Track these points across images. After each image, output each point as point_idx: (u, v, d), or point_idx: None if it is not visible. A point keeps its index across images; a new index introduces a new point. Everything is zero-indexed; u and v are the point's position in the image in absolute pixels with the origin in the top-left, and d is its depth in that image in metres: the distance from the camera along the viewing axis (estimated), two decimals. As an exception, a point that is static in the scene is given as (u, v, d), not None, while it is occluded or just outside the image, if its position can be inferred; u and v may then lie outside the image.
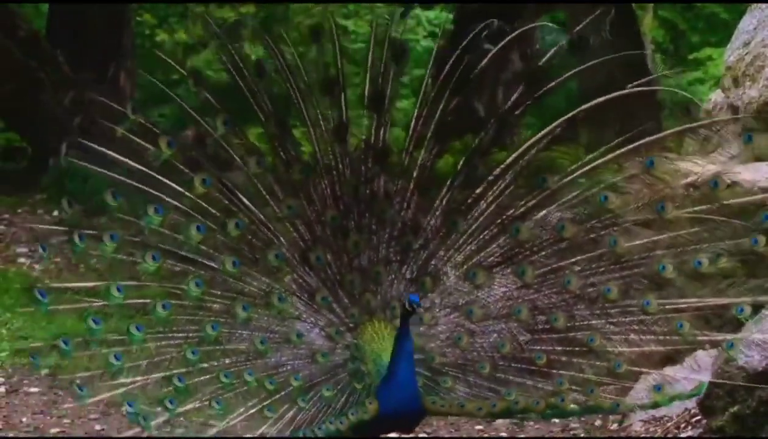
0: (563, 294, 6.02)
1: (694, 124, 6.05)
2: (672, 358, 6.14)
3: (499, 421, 7.76)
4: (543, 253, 6.06)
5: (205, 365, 5.99)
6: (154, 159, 6.02)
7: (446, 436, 7.37)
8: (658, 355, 6.00)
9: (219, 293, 6.08)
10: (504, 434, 7.77)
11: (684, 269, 5.97)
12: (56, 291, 6.14)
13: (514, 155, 6.06)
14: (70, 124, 14.18)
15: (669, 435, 7.11)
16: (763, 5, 8.93)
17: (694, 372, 6.11)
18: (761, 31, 8.84)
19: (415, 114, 6.09)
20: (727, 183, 6.05)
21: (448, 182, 6.10)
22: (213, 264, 6.06)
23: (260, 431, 5.88)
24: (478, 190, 6.08)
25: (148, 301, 6.04)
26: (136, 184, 6.03)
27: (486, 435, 7.77)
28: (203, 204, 6.06)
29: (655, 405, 6.05)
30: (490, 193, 6.08)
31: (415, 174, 6.11)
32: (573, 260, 6.02)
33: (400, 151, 6.13)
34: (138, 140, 6.07)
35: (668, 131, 6.07)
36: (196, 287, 6.01)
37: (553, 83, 6.03)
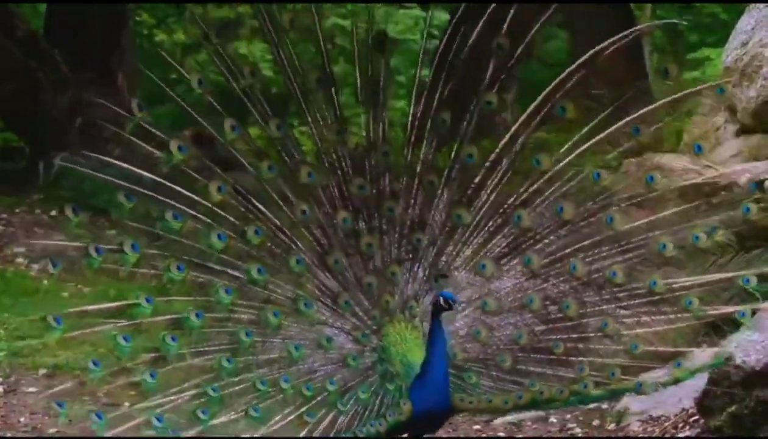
0: (571, 281, 6.06)
1: (680, 94, 6.06)
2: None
3: (497, 421, 7.78)
4: (546, 240, 6.09)
5: (239, 377, 5.92)
6: (163, 164, 5.97)
7: (444, 436, 7.36)
8: (672, 333, 6.03)
9: (245, 302, 6.05)
10: (502, 434, 7.78)
11: (684, 246, 6.03)
12: (72, 316, 5.99)
13: (506, 138, 6.08)
14: (68, 124, 14.19)
15: (667, 435, 7.12)
16: (761, 5, 8.96)
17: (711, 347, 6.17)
18: (759, 31, 8.87)
19: (412, 106, 6.10)
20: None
21: (444, 175, 6.11)
22: (237, 273, 6.03)
23: (302, 435, 5.87)
24: (476, 180, 6.10)
25: (171, 316, 5.96)
26: (145, 192, 5.97)
27: (484, 435, 7.78)
28: (220, 212, 6.01)
29: (677, 381, 6.06)
30: (489, 182, 6.10)
31: (418, 169, 6.13)
32: (576, 246, 6.05)
33: (402, 147, 6.14)
34: (146, 146, 6.00)
35: (658, 103, 6.07)
36: (226, 295, 5.97)
37: (519, 50, 6.03)
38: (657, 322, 6.02)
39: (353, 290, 6.07)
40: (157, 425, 5.79)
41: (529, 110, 6.06)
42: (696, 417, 6.95)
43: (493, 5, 6.02)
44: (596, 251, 6.05)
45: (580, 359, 6.01)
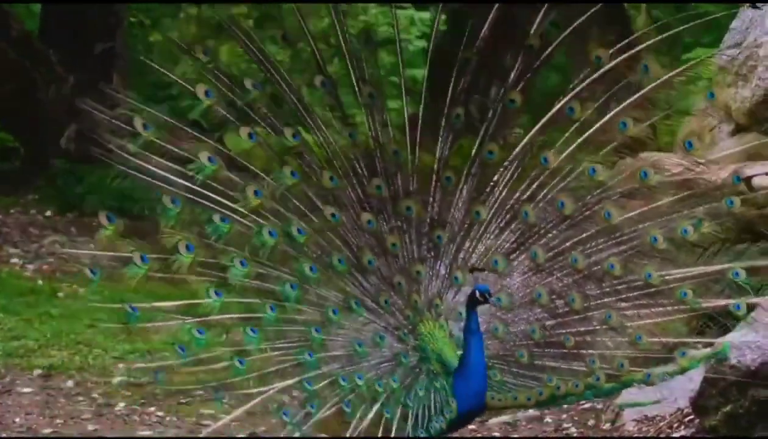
0: (573, 275, 6.11)
1: (672, 73, 6.13)
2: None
3: (492, 421, 7.79)
4: (549, 235, 6.14)
5: (321, 370, 5.96)
6: (195, 173, 5.92)
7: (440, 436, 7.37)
8: (672, 324, 6.08)
9: (307, 299, 6.06)
10: (497, 434, 7.78)
11: (674, 238, 6.08)
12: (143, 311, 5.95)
13: (529, 136, 6.13)
14: (65, 125, 14.18)
15: (662, 435, 7.13)
16: (757, 5, 8.95)
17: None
18: (753, 31, 8.87)
19: (422, 104, 6.12)
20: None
21: (465, 171, 6.15)
22: (287, 274, 6.02)
23: (380, 432, 5.89)
24: (495, 177, 6.14)
25: (238, 315, 5.98)
26: (190, 196, 5.94)
27: (479, 435, 7.78)
28: (259, 216, 5.98)
29: (684, 370, 6.09)
30: (502, 179, 6.15)
31: (435, 167, 6.15)
32: (575, 239, 6.11)
33: (414, 145, 6.15)
34: (164, 162, 5.97)
35: (645, 88, 6.11)
36: (291, 290, 5.99)
37: (547, 51, 6.12)
38: (656, 313, 6.07)
39: (388, 289, 6.11)
40: (285, 419, 5.84)
41: (548, 116, 6.12)
42: (691, 417, 6.96)
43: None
44: (593, 244, 6.11)
45: (590, 351, 6.07)
